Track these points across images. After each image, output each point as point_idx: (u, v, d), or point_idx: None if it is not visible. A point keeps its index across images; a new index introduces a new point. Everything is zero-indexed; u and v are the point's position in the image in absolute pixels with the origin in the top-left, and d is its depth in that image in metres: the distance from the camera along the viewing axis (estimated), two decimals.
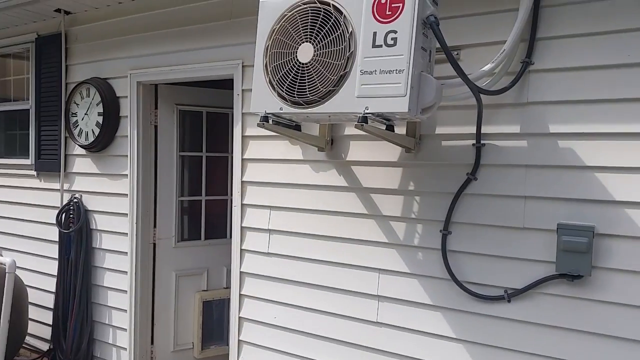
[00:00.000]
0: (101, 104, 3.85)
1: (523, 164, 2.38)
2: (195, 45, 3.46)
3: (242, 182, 3.30)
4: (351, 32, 2.20)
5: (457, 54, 2.49)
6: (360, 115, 2.15)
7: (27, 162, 4.46)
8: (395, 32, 2.11)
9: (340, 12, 2.23)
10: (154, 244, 3.95)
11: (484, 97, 2.31)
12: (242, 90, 3.29)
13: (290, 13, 2.36)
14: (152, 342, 3.97)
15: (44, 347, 4.35)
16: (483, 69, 2.31)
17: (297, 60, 2.31)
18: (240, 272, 3.31)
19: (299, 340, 3.04)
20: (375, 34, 2.15)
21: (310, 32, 2.28)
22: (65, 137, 4.18)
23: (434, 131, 2.58)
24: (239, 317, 3.31)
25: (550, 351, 2.30)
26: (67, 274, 4.04)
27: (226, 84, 3.76)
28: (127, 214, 3.85)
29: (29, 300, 4.17)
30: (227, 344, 3.47)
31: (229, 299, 4.10)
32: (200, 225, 4.19)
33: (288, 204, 3.09)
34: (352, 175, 2.83)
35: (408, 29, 2.08)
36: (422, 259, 2.62)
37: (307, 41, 2.29)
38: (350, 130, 2.83)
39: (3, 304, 3.64)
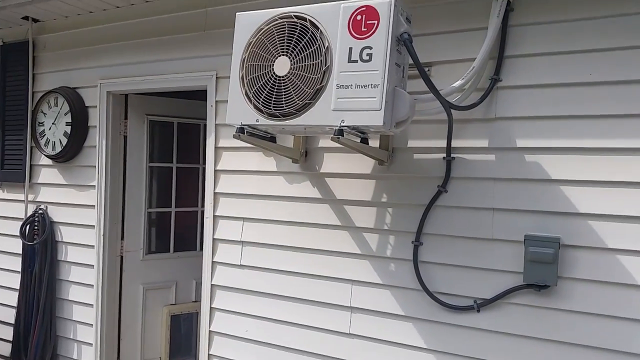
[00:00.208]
0: (69, 114, 3.78)
1: (491, 177, 2.46)
2: (169, 55, 3.45)
3: (215, 193, 3.29)
4: (327, 46, 2.24)
5: (428, 70, 2.56)
6: (337, 128, 2.19)
7: None
8: (370, 48, 2.17)
9: (317, 27, 2.27)
10: (122, 257, 3.87)
11: (454, 112, 2.39)
12: (216, 101, 3.29)
13: (267, 27, 2.40)
14: (118, 357, 3.88)
15: None
16: (453, 85, 2.39)
17: (274, 73, 2.34)
18: (212, 285, 3.28)
19: (271, 354, 3.03)
20: (351, 49, 2.20)
21: (287, 46, 2.32)
22: (31, 147, 4.08)
23: (406, 144, 2.64)
24: (209, 331, 3.27)
25: None
26: (31, 288, 3.91)
27: (197, 95, 3.76)
28: (94, 226, 3.77)
29: None
30: (195, 359, 3.42)
31: (197, 313, 4.06)
32: (170, 238, 4.14)
33: (261, 215, 3.09)
34: (326, 187, 2.87)
35: (383, 46, 2.14)
36: (394, 270, 2.67)
37: (283, 55, 2.33)
38: (324, 142, 2.87)
39: None
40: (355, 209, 2.78)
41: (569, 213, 2.28)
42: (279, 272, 3.01)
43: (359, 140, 2.42)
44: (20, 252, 4.00)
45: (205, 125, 4.03)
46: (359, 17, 2.21)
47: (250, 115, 2.42)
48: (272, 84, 2.34)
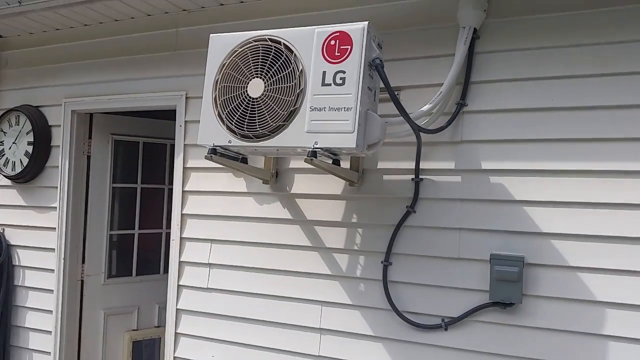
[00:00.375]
0: (32, 133, 3.68)
1: (458, 198, 2.54)
2: (138, 75, 3.44)
3: (182, 214, 3.25)
4: (301, 70, 2.29)
5: (397, 94, 2.64)
6: (310, 149, 2.23)
7: None
8: (343, 72, 2.23)
9: (291, 51, 2.33)
10: (82, 281, 3.75)
11: (422, 135, 2.47)
12: (185, 121, 3.28)
13: (242, 49, 2.43)
14: None
15: None
16: (422, 109, 2.47)
17: (248, 94, 2.37)
18: (177, 309, 3.21)
19: None
20: (324, 72, 2.26)
21: (261, 68, 2.36)
22: None
23: (376, 166, 2.70)
24: (174, 357, 3.19)
25: None
26: None
27: (163, 114, 3.75)
28: (54, 249, 3.65)
29: None
30: None
31: (160, 338, 3.96)
32: (132, 261, 4.04)
33: (230, 237, 3.07)
34: (296, 208, 2.89)
35: (356, 70, 2.21)
36: (364, 290, 2.70)
37: (257, 77, 2.36)
38: (295, 163, 2.90)
39: None
40: (325, 230, 2.81)
41: (532, 232, 2.38)
42: (248, 295, 2.99)
43: (331, 161, 2.46)
44: None
45: (171, 145, 4.02)
46: (332, 42, 2.27)
47: (222, 137, 2.43)
48: (245, 105, 2.36)
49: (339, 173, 2.59)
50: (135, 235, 4.06)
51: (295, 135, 2.28)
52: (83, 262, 3.76)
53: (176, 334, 3.21)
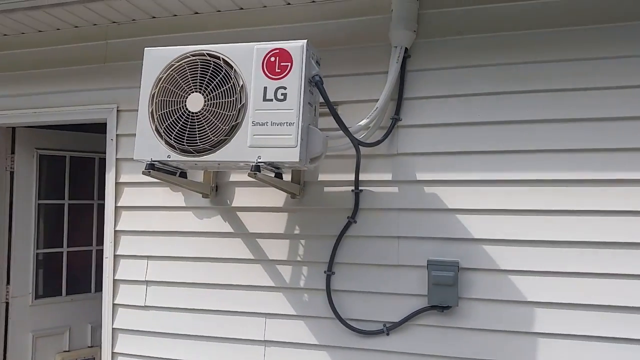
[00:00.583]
0: None
1: (395, 208, 2.65)
2: (65, 87, 3.30)
3: (116, 231, 3.15)
4: (242, 85, 2.31)
5: (335, 109, 2.72)
6: (254, 164, 2.25)
7: None
8: (285, 88, 2.27)
9: (231, 66, 2.34)
10: (7, 303, 3.54)
11: (361, 148, 2.56)
12: (117, 135, 3.19)
13: (179, 63, 2.41)
14: None
15: None
16: (359, 123, 2.57)
17: (187, 109, 2.35)
18: (113, 329, 3.11)
19: None
20: (265, 88, 2.29)
21: (200, 82, 2.35)
22: None
23: (316, 178, 2.76)
24: None
25: None
26: None
27: (90, 127, 3.62)
28: None
29: None
30: None
31: (93, 359, 3.81)
32: (62, 280, 3.86)
33: (168, 253, 3.02)
34: (237, 221, 2.89)
35: (297, 87, 2.26)
36: (308, 301, 2.74)
37: (196, 91, 2.35)
38: (235, 176, 2.90)
39: None
40: (268, 242, 2.83)
41: (465, 239, 2.53)
42: (189, 311, 2.95)
43: (273, 175, 2.50)
44: None
45: (100, 159, 3.89)
46: (272, 59, 2.31)
47: (161, 151, 2.40)
48: (184, 120, 2.35)
49: (281, 186, 2.62)
50: (64, 254, 3.88)
51: (238, 150, 2.29)
52: (8, 283, 3.56)
53: (113, 353, 3.10)
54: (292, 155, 2.23)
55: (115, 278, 3.13)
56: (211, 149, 2.32)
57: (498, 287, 2.46)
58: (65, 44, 3.31)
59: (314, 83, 2.33)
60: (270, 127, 2.27)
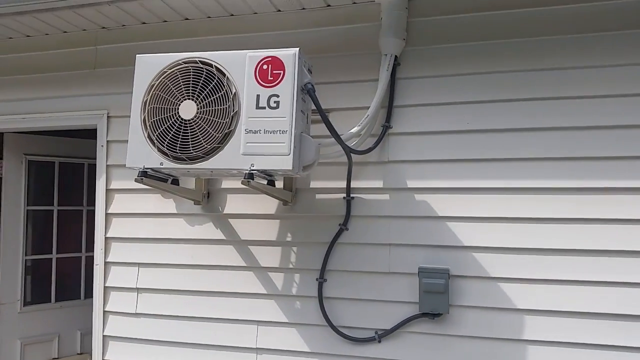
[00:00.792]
0: None
1: (387, 215, 2.66)
2: (54, 93, 3.27)
3: (106, 238, 3.14)
4: (235, 93, 2.31)
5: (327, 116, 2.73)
6: (247, 172, 2.25)
7: None
8: (277, 96, 2.28)
9: (223, 74, 2.34)
10: None
11: (352, 155, 2.57)
12: (108, 141, 3.18)
13: (171, 70, 2.41)
14: None
15: None
16: (351, 131, 2.58)
17: (179, 116, 2.34)
18: (104, 336, 3.09)
19: None
20: (258, 96, 2.30)
21: (192, 90, 2.35)
22: None
23: (308, 185, 2.77)
24: None
25: None
26: None
27: (79, 133, 3.59)
28: None
29: None
30: None
31: None
32: (51, 286, 3.83)
33: (160, 260, 3.01)
34: (229, 228, 2.89)
35: (289, 95, 2.26)
36: (300, 308, 2.75)
37: (189, 99, 2.35)
38: (227, 183, 2.90)
39: None
40: (260, 249, 2.83)
41: (455, 246, 2.55)
42: (180, 319, 2.94)
43: (266, 182, 2.50)
44: None
45: (89, 165, 3.86)
46: (265, 67, 2.32)
47: (153, 159, 2.39)
48: (177, 127, 2.34)
49: (273, 193, 2.63)
50: (53, 260, 3.85)
51: (231, 158, 2.29)
52: None
53: None
54: (285, 163, 2.23)
55: (106, 285, 3.11)
56: (204, 157, 2.32)
57: (488, 295, 2.48)
58: (54, 49, 3.29)
59: (307, 91, 2.34)
60: (263, 134, 2.27)
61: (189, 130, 2.32)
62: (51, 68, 3.29)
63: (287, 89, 2.27)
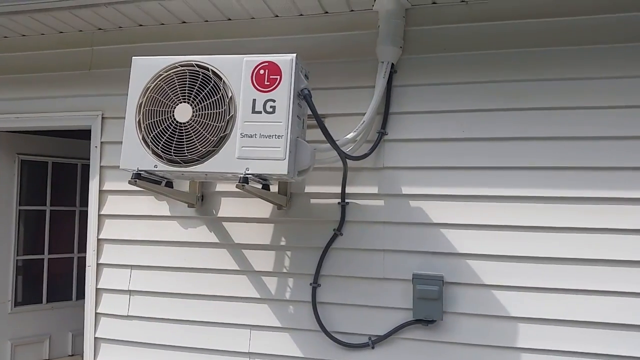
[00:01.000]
0: None
1: (381, 221, 2.67)
2: (49, 93, 3.26)
3: (99, 239, 3.12)
4: (231, 96, 2.31)
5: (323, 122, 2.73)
6: (242, 175, 2.25)
7: None
8: (273, 101, 2.28)
9: (220, 78, 2.33)
10: None
11: (347, 161, 2.58)
12: (102, 142, 3.16)
13: (167, 73, 2.40)
14: None
15: None
16: (347, 136, 2.58)
17: (175, 119, 2.34)
18: (95, 338, 3.07)
19: None
20: (254, 100, 2.29)
21: (188, 93, 2.34)
22: None
23: (303, 190, 2.77)
24: None
25: None
26: None
27: (72, 133, 3.57)
28: None
29: None
30: None
31: None
32: (42, 287, 3.80)
33: (153, 262, 2.99)
34: (223, 231, 2.88)
35: (286, 100, 2.26)
36: (293, 313, 2.74)
37: (185, 102, 2.34)
38: (221, 186, 2.89)
39: None
40: (253, 253, 2.82)
41: (449, 253, 2.55)
42: (173, 322, 2.93)
43: (260, 186, 2.49)
44: None
45: (83, 166, 3.84)
46: (261, 72, 2.31)
47: (148, 161, 2.38)
48: (172, 130, 2.33)
49: (268, 197, 2.62)
50: (44, 260, 3.82)
51: (226, 161, 2.28)
52: None
53: None
54: (280, 168, 2.23)
55: (98, 287, 3.10)
56: (199, 160, 2.31)
57: (482, 302, 2.49)
58: (50, 50, 3.27)
59: (303, 96, 2.34)
60: (259, 139, 2.27)
61: (184, 133, 2.32)
62: (46, 68, 3.28)
63: (283, 94, 2.27)
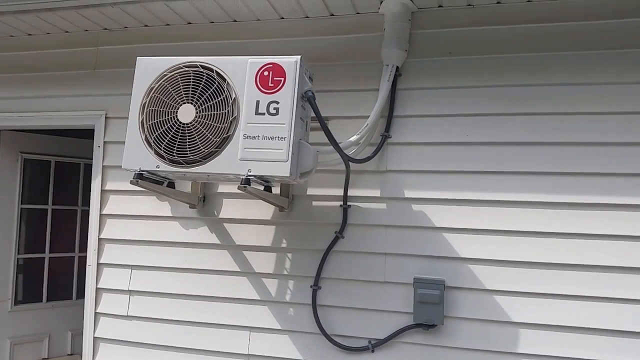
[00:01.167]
0: None
1: (383, 224, 2.66)
2: (53, 92, 3.26)
3: (100, 239, 3.12)
4: (234, 98, 2.31)
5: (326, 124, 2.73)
6: (244, 177, 2.25)
7: None
8: (277, 102, 2.28)
9: (224, 79, 2.34)
10: None
11: (350, 164, 2.57)
12: (105, 142, 3.17)
13: (171, 74, 2.41)
14: None
15: None
16: (350, 139, 2.58)
17: (178, 119, 2.34)
18: (94, 338, 3.07)
19: None
20: (258, 102, 2.29)
21: (192, 94, 2.34)
22: None
23: (305, 192, 2.76)
24: None
25: None
26: None
27: (75, 132, 3.58)
28: None
29: None
30: None
31: None
32: (42, 286, 3.80)
33: (153, 262, 2.99)
34: (224, 232, 2.88)
35: (289, 102, 2.26)
36: (293, 315, 2.73)
37: (188, 102, 2.34)
38: (223, 187, 2.89)
39: None
40: (254, 255, 2.82)
41: (451, 257, 2.55)
42: (172, 323, 2.92)
43: (262, 188, 2.49)
44: None
45: (85, 165, 3.85)
46: (266, 73, 2.32)
47: (150, 161, 2.38)
48: (175, 130, 2.34)
49: (270, 199, 2.62)
50: (45, 259, 3.82)
51: (228, 162, 2.28)
52: None
53: None
54: (282, 170, 2.23)
55: (98, 286, 3.09)
56: (201, 161, 2.31)
57: (484, 307, 2.48)
58: (55, 49, 3.29)
59: (307, 99, 2.34)
60: (262, 140, 2.27)
61: (187, 134, 2.32)
62: (51, 67, 3.29)
63: (287, 96, 2.27)
